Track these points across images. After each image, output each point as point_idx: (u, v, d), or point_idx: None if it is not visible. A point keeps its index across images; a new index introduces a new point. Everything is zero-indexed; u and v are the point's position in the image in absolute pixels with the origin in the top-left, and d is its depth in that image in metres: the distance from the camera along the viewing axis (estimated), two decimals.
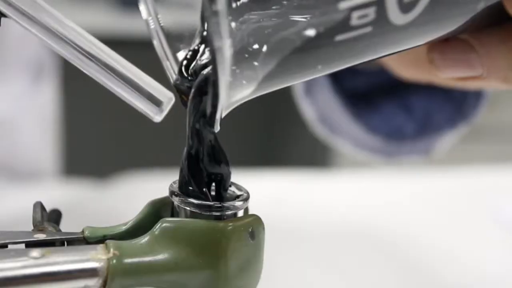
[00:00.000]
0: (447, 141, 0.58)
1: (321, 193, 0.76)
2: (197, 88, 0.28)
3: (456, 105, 0.56)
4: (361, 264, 0.63)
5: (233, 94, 0.27)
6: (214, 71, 0.25)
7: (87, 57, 0.28)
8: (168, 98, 0.28)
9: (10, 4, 0.27)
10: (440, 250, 0.66)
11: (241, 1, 0.26)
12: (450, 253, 0.65)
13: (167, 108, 0.28)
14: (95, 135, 1.96)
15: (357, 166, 1.68)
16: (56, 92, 0.83)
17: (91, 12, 1.68)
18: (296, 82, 0.30)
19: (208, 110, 0.27)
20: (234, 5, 0.26)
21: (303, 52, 0.27)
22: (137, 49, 1.85)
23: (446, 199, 0.76)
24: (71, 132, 1.22)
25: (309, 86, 0.56)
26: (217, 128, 0.28)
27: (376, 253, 0.64)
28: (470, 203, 0.75)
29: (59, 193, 0.71)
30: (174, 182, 0.29)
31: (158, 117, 0.28)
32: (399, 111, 0.56)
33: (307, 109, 0.59)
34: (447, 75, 0.34)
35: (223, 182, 0.29)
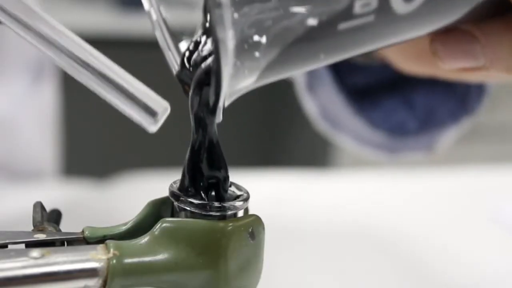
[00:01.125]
0: (450, 136, 0.58)
1: (321, 193, 0.76)
2: (199, 78, 0.28)
3: (459, 100, 0.56)
4: (361, 264, 0.63)
5: (235, 83, 0.27)
6: (217, 61, 0.25)
7: (80, 65, 0.27)
8: (163, 108, 0.27)
9: (3, 10, 0.27)
10: (439, 250, 0.66)
11: None
12: (450, 253, 0.65)
13: (162, 118, 0.27)
14: (95, 135, 1.96)
15: (357, 166, 1.68)
16: (56, 92, 0.83)
17: (91, 12, 1.68)
18: (299, 71, 0.30)
19: (210, 99, 0.27)
20: None
21: (306, 41, 0.27)
22: (137, 49, 1.85)
23: (446, 199, 0.76)
24: (71, 132, 1.22)
25: (311, 82, 0.56)
26: (219, 118, 0.28)
27: (376, 253, 0.64)
28: (470, 203, 0.75)
29: (59, 193, 0.71)
30: (174, 182, 0.29)
31: (153, 128, 0.27)
32: (401, 107, 0.56)
33: (309, 105, 0.59)
34: (450, 66, 0.34)
35: (222, 185, 0.29)
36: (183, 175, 0.29)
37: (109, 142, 1.95)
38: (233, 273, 0.28)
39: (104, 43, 1.81)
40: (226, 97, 0.27)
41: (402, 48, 0.40)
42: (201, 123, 0.28)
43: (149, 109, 0.27)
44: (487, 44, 0.32)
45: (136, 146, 1.94)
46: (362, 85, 0.56)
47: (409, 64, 0.42)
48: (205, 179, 0.29)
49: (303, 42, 0.27)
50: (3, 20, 0.27)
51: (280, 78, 0.29)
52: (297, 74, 0.43)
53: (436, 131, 0.57)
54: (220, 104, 0.27)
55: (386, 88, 0.56)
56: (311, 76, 0.56)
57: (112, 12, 1.67)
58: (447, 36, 0.33)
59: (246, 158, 2.07)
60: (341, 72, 0.55)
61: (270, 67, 0.27)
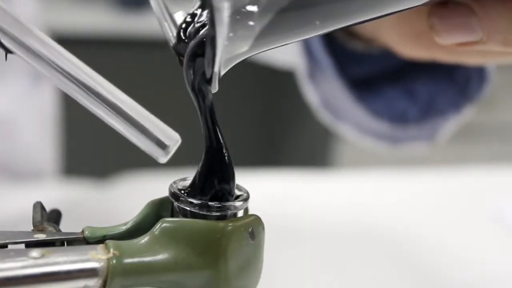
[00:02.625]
0: (452, 126, 0.58)
1: (321, 193, 0.76)
2: (195, 47, 0.28)
3: (460, 89, 0.55)
4: (361, 264, 0.63)
5: (230, 50, 0.27)
6: (212, 29, 0.25)
7: (91, 96, 0.27)
8: (174, 140, 0.27)
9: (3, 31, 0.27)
10: (439, 250, 0.66)
11: None
12: (450, 253, 0.65)
13: (172, 150, 0.28)
14: (95, 135, 1.96)
15: (357, 166, 1.68)
16: (56, 92, 0.83)
17: (91, 12, 1.68)
18: (294, 41, 0.30)
19: (206, 66, 0.27)
20: None
21: (300, 7, 0.27)
22: (137, 49, 1.85)
23: (446, 199, 0.76)
24: (71, 132, 1.22)
25: (313, 71, 0.56)
26: (215, 87, 0.28)
27: (376, 252, 0.64)
28: (470, 203, 0.75)
29: (59, 193, 0.71)
30: (174, 182, 0.29)
31: (163, 159, 0.28)
32: (402, 96, 0.56)
33: (311, 94, 0.58)
34: (447, 41, 0.34)
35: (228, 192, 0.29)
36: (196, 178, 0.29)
37: (109, 142, 1.95)
38: (233, 273, 0.28)
39: (104, 43, 1.81)
40: (222, 65, 0.27)
41: (400, 29, 0.40)
42: (199, 96, 0.28)
43: (160, 142, 0.27)
44: (484, 17, 0.32)
45: (136, 146, 1.93)
46: (363, 75, 0.56)
47: (408, 47, 0.42)
48: (217, 190, 0.29)
49: (297, 7, 0.27)
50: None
51: (275, 46, 0.28)
52: (294, 42, 0.43)
53: (438, 120, 0.57)
54: (216, 70, 0.27)
55: (386, 78, 0.56)
56: (313, 65, 0.55)
57: (112, 12, 1.67)
58: (444, 10, 0.33)
59: (246, 158, 2.07)
60: (342, 63, 0.54)
61: (264, 34, 0.27)
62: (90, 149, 1.95)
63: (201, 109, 0.29)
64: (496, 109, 1.74)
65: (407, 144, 0.59)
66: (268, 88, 1.98)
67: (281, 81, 1.98)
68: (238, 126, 2.03)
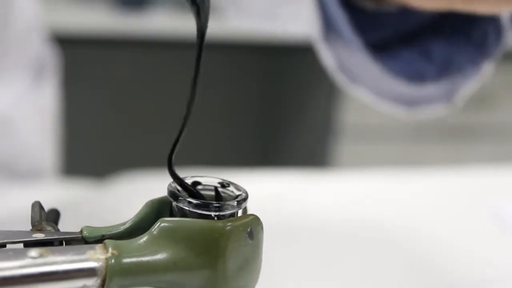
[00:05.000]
0: (471, 85, 0.57)
1: (320, 193, 0.76)
2: None
3: (477, 46, 0.55)
4: (360, 264, 0.62)
5: None
6: None
7: None
8: None
9: None
10: (439, 250, 0.66)
11: None
12: (450, 253, 0.65)
13: None
14: (94, 135, 1.96)
15: (357, 166, 1.68)
16: (57, 91, 0.83)
17: (91, 12, 1.68)
18: None
19: None
20: None
21: None
22: (137, 49, 1.85)
23: (446, 199, 0.76)
24: (71, 132, 1.22)
25: (328, 35, 0.55)
26: None
27: (375, 253, 0.64)
28: (470, 203, 0.75)
29: (58, 193, 0.71)
30: (172, 182, 0.29)
31: None
32: (419, 57, 0.55)
33: (327, 57, 0.57)
34: None
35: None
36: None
37: (108, 142, 1.95)
38: (232, 272, 0.28)
39: (104, 43, 1.81)
40: None
41: None
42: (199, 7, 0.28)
43: None
44: None
45: (135, 146, 1.94)
46: (378, 39, 0.55)
47: None
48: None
49: None
50: None
51: None
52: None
53: (456, 78, 0.56)
54: None
55: (401, 42, 0.55)
56: (328, 28, 0.55)
57: (112, 12, 1.67)
58: None
59: (246, 158, 2.07)
60: (356, 26, 0.54)
61: None
62: (89, 149, 1.95)
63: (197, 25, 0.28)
64: (496, 109, 1.74)
65: (425, 106, 0.58)
66: (268, 87, 1.98)
67: (281, 80, 1.98)
68: (238, 126, 2.03)
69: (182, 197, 0.28)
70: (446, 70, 0.55)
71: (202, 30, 0.29)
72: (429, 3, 0.42)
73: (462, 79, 0.56)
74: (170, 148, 0.29)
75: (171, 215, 0.29)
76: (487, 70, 0.56)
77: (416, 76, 0.55)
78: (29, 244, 0.28)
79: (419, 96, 0.57)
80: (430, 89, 0.56)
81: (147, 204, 0.30)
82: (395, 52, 0.55)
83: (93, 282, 0.27)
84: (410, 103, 0.58)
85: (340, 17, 0.51)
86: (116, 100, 1.90)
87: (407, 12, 0.45)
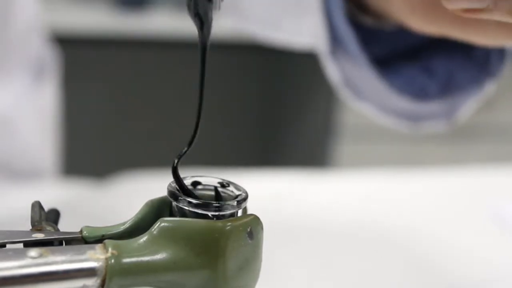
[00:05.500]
0: (472, 103, 0.57)
1: (320, 193, 0.76)
2: None
3: (479, 64, 0.55)
4: (360, 264, 0.62)
5: None
6: None
7: None
8: None
9: None
10: (439, 250, 0.66)
11: None
12: (450, 253, 0.65)
13: None
14: (94, 135, 1.96)
15: (357, 166, 1.68)
16: (57, 91, 0.83)
17: (91, 12, 1.68)
18: None
19: None
20: None
21: None
22: (137, 49, 1.85)
23: (446, 199, 0.76)
24: (71, 132, 1.22)
25: (334, 49, 0.56)
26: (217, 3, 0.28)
27: (375, 253, 0.64)
28: (470, 203, 0.75)
29: (58, 193, 0.71)
30: (172, 182, 0.29)
31: None
32: (421, 73, 0.55)
33: (332, 71, 0.58)
34: (454, 6, 0.33)
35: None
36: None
37: (108, 142, 1.95)
38: (232, 272, 0.28)
39: (104, 43, 1.81)
40: None
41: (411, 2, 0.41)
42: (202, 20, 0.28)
43: None
44: None
45: (135, 146, 1.94)
46: (381, 55, 0.55)
47: (418, 18, 0.42)
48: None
49: None
50: None
51: None
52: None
53: (458, 96, 0.56)
54: None
55: (404, 58, 0.55)
56: (334, 42, 0.55)
57: (112, 12, 1.67)
58: None
59: (246, 158, 2.07)
60: (361, 41, 0.54)
61: None
62: (89, 149, 1.95)
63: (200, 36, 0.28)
64: (496, 109, 1.74)
65: (427, 122, 0.59)
66: (268, 88, 1.98)
67: (281, 80, 1.98)
68: (238, 126, 2.03)
69: (182, 197, 0.28)
70: (448, 87, 0.55)
71: (204, 44, 0.29)
72: (428, 27, 0.42)
73: (464, 97, 0.56)
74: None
75: (171, 215, 0.29)
76: (490, 88, 0.56)
77: (419, 93, 0.55)
78: (29, 244, 0.28)
79: (421, 112, 0.58)
80: (432, 106, 0.57)
81: (147, 204, 0.30)
82: (398, 68, 0.55)
83: (93, 282, 0.27)
84: (413, 118, 0.59)
85: (347, 32, 0.52)
86: (116, 100, 1.90)
87: (406, 29, 0.46)
